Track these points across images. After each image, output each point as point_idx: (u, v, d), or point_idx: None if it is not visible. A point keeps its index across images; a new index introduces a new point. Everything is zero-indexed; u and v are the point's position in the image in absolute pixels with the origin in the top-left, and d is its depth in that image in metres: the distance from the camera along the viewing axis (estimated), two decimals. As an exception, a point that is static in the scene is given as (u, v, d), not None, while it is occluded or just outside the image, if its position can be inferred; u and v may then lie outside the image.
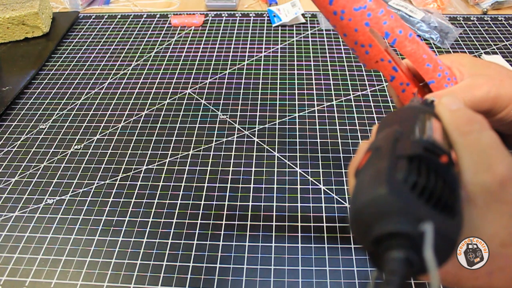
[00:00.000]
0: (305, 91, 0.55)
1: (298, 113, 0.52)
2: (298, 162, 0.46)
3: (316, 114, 0.52)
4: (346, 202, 0.41)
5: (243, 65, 0.61)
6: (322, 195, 0.42)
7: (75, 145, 0.49)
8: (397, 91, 0.30)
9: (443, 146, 0.19)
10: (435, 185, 0.17)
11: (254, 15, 0.73)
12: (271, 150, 0.47)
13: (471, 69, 0.27)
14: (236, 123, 0.51)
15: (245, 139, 0.49)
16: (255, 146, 0.48)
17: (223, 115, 0.52)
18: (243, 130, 0.50)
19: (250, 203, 0.42)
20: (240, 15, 0.73)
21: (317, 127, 0.50)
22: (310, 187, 0.43)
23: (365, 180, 0.18)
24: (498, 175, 0.18)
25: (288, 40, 0.66)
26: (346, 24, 0.27)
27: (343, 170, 0.44)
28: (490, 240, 0.18)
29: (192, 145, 0.48)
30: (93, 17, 0.75)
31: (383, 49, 0.28)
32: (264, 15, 0.73)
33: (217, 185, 0.44)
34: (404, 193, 0.16)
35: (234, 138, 0.49)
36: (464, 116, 0.21)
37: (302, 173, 0.45)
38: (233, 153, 0.47)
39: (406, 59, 0.29)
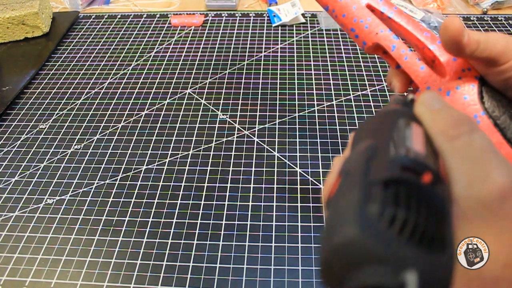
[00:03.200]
0: (305, 91, 0.55)
1: (298, 113, 0.52)
2: (298, 162, 0.46)
3: (316, 114, 0.52)
4: (346, 202, 0.41)
5: (243, 65, 0.61)
6: (322, 195, 0.42)
7: (75, 145, 0.49)
8: (400, 60, 0.28)
9: (426, 159, 0.16)
10: (418, 216, 0.14)
11: (254, 15, 0.73)
12: (271, 150, 0.47)
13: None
14: (236, 123, 0.51)
15: (245, 139, 0.49)
16: (255, 146, 0.48)
17: (223, 115, 0.52)
18: (243, 130, 0.50)
19: (250, 203, 0.42)
20: (240, 15, 0.73)
21: (317, 127, 0.50)
22: (310, 187, 0.43)
23: (334, 216, 0.15)
24: (497, 186, 0.15)
25: (288, 40, 0.66)
26: (345, 4, 0.29)
27: (343, 170, 0.44)
28: (492, 262, 0.15)
29: (192, 145, 0.48)
30: (93, 17, 0.75)
31: (381, 22, 0.29)
32: (264, 15, 0.73)
33: (217, 185, 0.44)
34: (380, 233, 0.13)
35: (234, 138, 0.49)
36: (449, 117, 0.18)
37: (302, 173, 0.45)
38: (233, 153, 0.47)
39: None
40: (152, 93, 0.56)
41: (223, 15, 0.73)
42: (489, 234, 0.15)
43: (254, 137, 0.49)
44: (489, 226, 0.15)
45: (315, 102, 0.54)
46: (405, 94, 0.23)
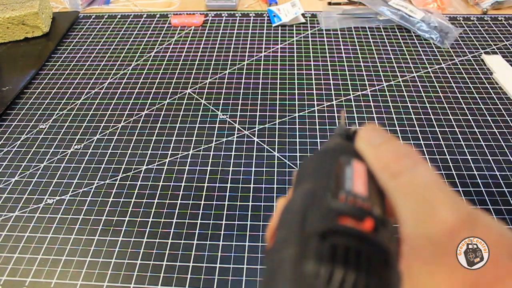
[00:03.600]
0: (305, 91, 0.55)
1: (298, 113, 0.52)
2: (298, 162, 0.46)
3: (316, 114, 0.52)
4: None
5: (243, 65, 0.61)
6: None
7: (75, 145, 0.49)
8: None
9: (368, 201, 0.15)
10: (358, 270, 0.13)
11: (254, 15, 0.73)
12: (271, 150, 0.47)
13: None
14: (236, 123, 0.51)
15: (245, 139, 0.49)
16: (255, 146, 0.48)
17: (223, 115, 0.52)
18: (243, 130, 0.50)
19: (250, 203, 0.42)
20: (240, 15, 0.73)
21: (317, 127, 0.50)
22: (310, 187, 0.43)
23: (270, 273, 0.14)
24: (444, 224, 0.15)
25: (288, 40, 0.66)
26: None
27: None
28: None
29: (192, 145, 0.48)
30: (93, 17, 0.75)
31: None
32: (264, 15, 0.73)
33: (217, 185, 0.44)
34: None
35: (234, 138, 0.49)
36: (390, 151, 0.17)
37: (302, 173, 0.45)
38: (233, 153, 0.47)
39: None
40: (152, 93, 0.56)
41: (223, 15, 0.73)
42: (440, 271, 0.15)
43: (254, 137, 0.49)
44: (440, 263, 0.15)
45: (315, 102, 0.54)
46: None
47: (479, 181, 0.43)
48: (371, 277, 0.13)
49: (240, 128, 0.50)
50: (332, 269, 0.13)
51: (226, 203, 0.42)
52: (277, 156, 0.46)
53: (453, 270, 0.15)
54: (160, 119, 0.52)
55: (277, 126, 0.50)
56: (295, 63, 0.61)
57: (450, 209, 0.15)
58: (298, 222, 0.15)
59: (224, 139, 0.49)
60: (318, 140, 0.48)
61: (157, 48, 0.65)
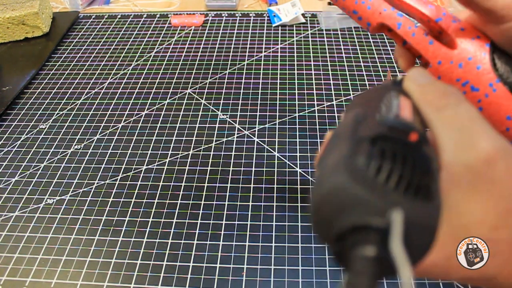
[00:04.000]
0: (305, 91, 0.55)
1: (298, 113, 0.52)
2: (298, 162, 0.46)
3: (316, 114, 0.52)
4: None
5: (243, 65, 0.61)
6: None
7: (75, 145, 0.49)
8: (408, 37, 0.28)
9: (413, 123, 0.17)
10: (404, 167, 0.14)
11: (254, 15, 0.73)
12: (271, 150, 0.47)
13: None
14: (236, 123, 0.51)
15: (245, 139, 0.49)
16: (255, 146, 0.48)
17: (223, 115, 0.52)
18: (243, 130, 0.50)
19: (250, 203, 0.42)
20: (240, 15, 0.73)
21: (317, 127, 0.50)
22: (310, 187, 0.43)
23: (324, 169, 0.16)
24: (483, 153, 0.16)
25: (288, 40, 0.66)
26: None
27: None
28: (480, 224, 0.16)
29: (192, 145, 0.48)
30: (93, 17, 0.75)
31: (383, 0, 0.28)
32: (264, 15, 0.73)
33: (217, 185, 0.44)
34: (367, 180, 0.14)
35: (234, 138, 0.49)
36: (436, 90, 0.18)
37: (302, 173, 0.45)
38: (233, 153, 0.47)
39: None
40: (152, 93, 0.56)
41: (223, 15, 0.73)
42: (476, 198, 0.16)
43: (254, 137, 0.49)
44: (476, 190, 0.16)
45: (315, 102, 0.54)
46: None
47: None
48: (415, 175, 0.14)
49: (240, 128, 0.50)
50: (381, 163, 0.14)
51: (226, 203, 0.42)
52: (277, 156, 0.47)
53: (488, 196, 0.16)
54: (160, 119, 0.52)
55: (277, 126, 0.50)
56: (295, 63, 0.61)
57: (488, 140, 0.16)
58: (350, 131, 0.16)
59: (224, 139, 0.49)
60: (318, 140, 0.48)
61: (157, 48, 0.65)
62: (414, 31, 0.27)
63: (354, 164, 0.14)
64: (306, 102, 0.54)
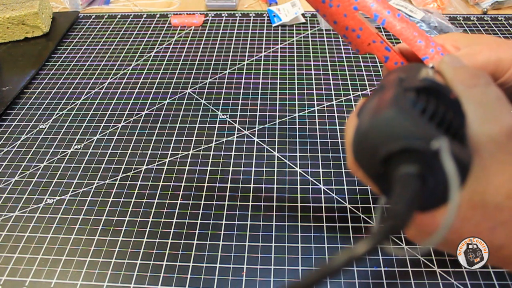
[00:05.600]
0: (305, 91, 0.55)
1: (298, 113, 0.52)
2: (298, 162, 0.46)
3: (316, 114, 0.52)
4: (346, 202, 0.41)
5: (243, 65, 0.61)
6: (322, 195, 0.42)
7: (75, 145, 0.49)
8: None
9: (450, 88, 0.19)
10: (446, 113, 0.16)
11: (254, 15, 0.73)
12: (271, 150, 0.47)
13: (466, 41, 0.26)
14: (236, 123, 0.51)
15: (245, 139, 0.49)
16: (255, 146, 0.48)
17: (223, 115, 0.52)
18: (243, 130, 0.50)
19: (250, 203, 0.42)
20: (240, 15, 0.73)
21: (317, 127, 0.50)
22: (310, 187, 0.43)
23: (370, 108, 0.17)
24: (505, 126, 0.18)
25: (288, 40, 0.66)
26: (335, 10, 0.28)
27: (343, 170, 0.44)
28: (496, 191, 0.17)
29: (192, 145, 0.48)
30: (93, 17, 0.75)
31: (373, 31, 0.28)
32: (264, 15, 0.73)
33: (217, 185, 0.44)
34: (414, 115, 0.16)
35: (234, 138, 0.49)
36: (468, 72, 0.20)
37: (302, 173, 0.45)
38: (233, 153, 0.47)
39: (398, 44, 0.29)
40: (152, 93, 0.56)
41: (223, 15, 0.73)
42: (495, 167, 0.17)
43: (254, 137, 0.49)
44: (496, 160, 0.17)
45: (315, 102, 0.54)
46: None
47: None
48: (454, 121, 0.16)
49: (240, 128, 0.50)
50: (426, 104, 0.16)
51: (226, 203, 0.42)
52: (277, 156, 0.46)
53: (505, 166, 0.17)
54: (160, 119, 0.52)
55: (277, 126, 0.50)
56: (295, 63, 0.61)
57: (511, 116, 0.18)
58: (396, 81, 0.18)
59: (224, 139, 0.49)
60: (318, 140, 0.48)
61: (157, 48, 0.65)
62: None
63: (404, 102, 0.16)
64: (306, 102, 0.54)
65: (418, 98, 0.17)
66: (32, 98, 0.57)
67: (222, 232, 0.39)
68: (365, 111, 0.18)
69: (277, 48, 0.64)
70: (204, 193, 0.43)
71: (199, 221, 0.40)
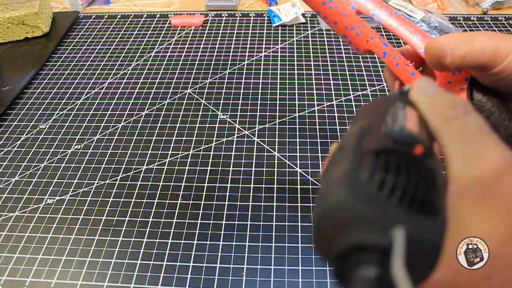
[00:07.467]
0: (305, 91, 0.55)
1: (298, 113, 0.52)
2: (298, 162, 0.46)
3: (316, 114, 0.52)
4: (346, 202, 0.41)
5: (243, 65, 0.61)
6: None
7: (75, 145, 0.49)
8: (391, 66, 0.29)
9: (418, 136, 0.16)
10: (408, 181, 0.14)
11: (254, 15, 0.73)
12: (271, 150, 0.47)
13: (463, 35, 0.25)
14: (236, 123, 0.51)
15: (245, 139, 0.49)
16: (255, 146, 0.48)
17: (223, 115, 0.52)
18: (243, 130, 0.50)
19: (250, 203, 0.42)
20: (240, 15, 0.73)
21: (317, 127, 0.50)
22: (310, 187, 0.43)
23: (326, 184, 0.15)
24: (492, 165, 0.16)
25: (288, 40, 0.66)
26: (335, 11, 0.29)
27: (343, 170, 0.44)
28: (488, 239, 0.16)
29: (192, 145, 0.48)
30: (93, 17, 0.75)
31: (371, 28, 0.29)
32: (264, 15, 0.73)
33: (217, 185, 0.44)
34: (370, 196, 0.13)
35: (234, 138, 0.49)
36: (444, 100, 0.18)
37: (302, 173, 0.45)
38: (233, 153, 0.47)
39: (400, 48, 0.30)
40: (152, 93, 0.56)
41: (223, 15, 0.73)
42: (483, 212, 0.16)
43: (254, 137, 0.49)
44: (485, 205, 0.16)
45: (315, 102, 0.54)
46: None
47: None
48: (419, 190, 0.14)
49: (240, 128, 0.50)
50: (384, 177, 0.14)
51: (226, 203, 0.42)
52: (277, 156, 0.47)
53: (496, 210, 0.15)
54: (160, 119, 0.52)
55: (277, 126, 0.50)
56: (295, 63, 0.61)
57: (497, 152, 0.16)
58: (355, 144, 0.16)
59: (224, 139, 0.49)
60: (318, 140, 0.48)
61: (157, 48, 0.65)
62: (398, 61, 0.29)
63: (356, 179, 0.14)
64: (306, 102, 0.54)
65: (376, 166, 0.14)
66: (32, 98, 0.57)
67: (222, 232, 0.39)
68: (321, 189, 0.15)
69: (277, 48, 0.64)
70: (204, 193, 0.43)
71: (199, 221, 0.40)
